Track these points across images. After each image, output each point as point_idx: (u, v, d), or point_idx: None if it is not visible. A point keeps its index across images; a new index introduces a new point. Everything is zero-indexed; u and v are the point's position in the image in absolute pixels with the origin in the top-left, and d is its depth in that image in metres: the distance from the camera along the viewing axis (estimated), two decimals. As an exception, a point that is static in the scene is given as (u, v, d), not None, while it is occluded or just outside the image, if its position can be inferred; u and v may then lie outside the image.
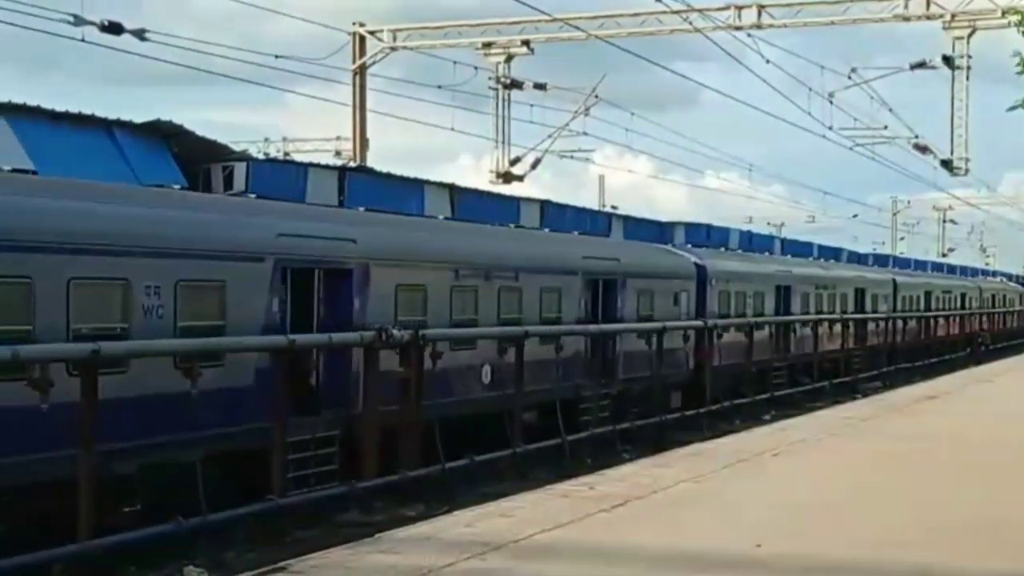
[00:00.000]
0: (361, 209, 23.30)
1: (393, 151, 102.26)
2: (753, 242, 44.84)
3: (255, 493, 16.74)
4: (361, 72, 36.74)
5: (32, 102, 24.94)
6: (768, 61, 32.44)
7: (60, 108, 25.12)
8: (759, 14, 34.48)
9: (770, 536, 12.22)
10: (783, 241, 50.81)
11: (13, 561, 13.33)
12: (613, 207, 50.76)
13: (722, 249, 39.54)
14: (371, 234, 20.73)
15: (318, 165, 30.62)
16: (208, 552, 15.61)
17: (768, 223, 72.08)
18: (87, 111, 25.84)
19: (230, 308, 17.14)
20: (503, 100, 36.56)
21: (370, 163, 35.95)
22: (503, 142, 36.77)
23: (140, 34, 26.74)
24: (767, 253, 43.67)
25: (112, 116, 26.44)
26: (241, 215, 18.96)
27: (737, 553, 11.52)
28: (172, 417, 15.93)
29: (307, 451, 18.09)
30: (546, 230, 30.09)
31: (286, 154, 41.96)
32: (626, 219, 39.90)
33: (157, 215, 17.16)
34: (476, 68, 35.87)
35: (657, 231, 38.52)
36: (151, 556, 15.38)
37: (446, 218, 26.18)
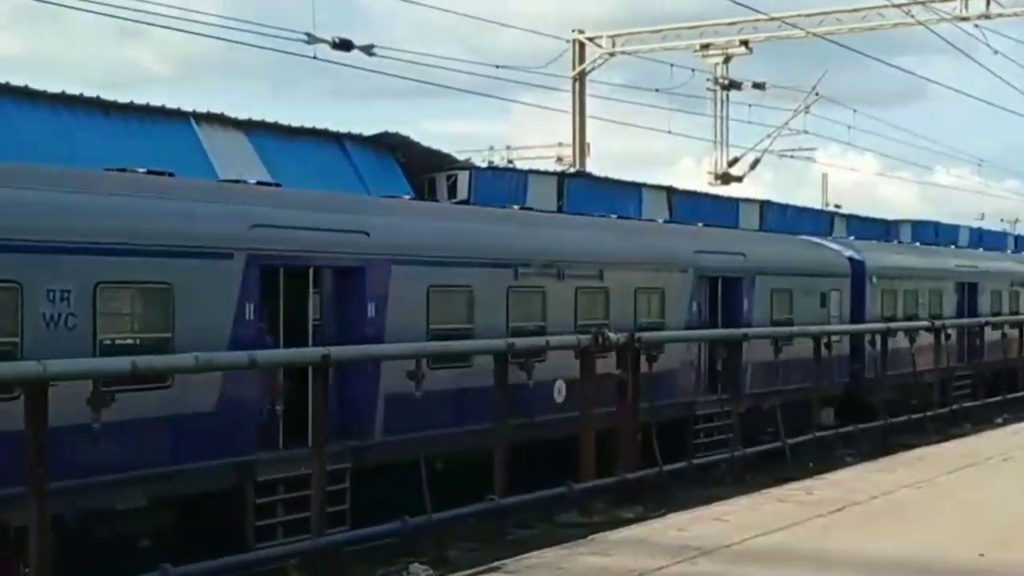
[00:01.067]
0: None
1: (614, 155, 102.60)
2: (984, 240, 43.23)
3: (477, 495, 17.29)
4: (580, 78, 37.18)
5: (275, 118, 26.37)
6: (997, 52, 31.41)
7: (297, 123, 26.56)
8: (987, 4, 33.40)
9: (994, 545, 11.94)
10: (1017, 238, 48.91)
11: (252, 556, 14.21)
12: (836, 206, 49.83)
13: (895, 242, 36.12)
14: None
15: (538, 171, 31.25)
16: (433, 550, 16.18)
17: (1002, 219, 69.30)
18: (322, 125, 27.20)
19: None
20: (721, 101, 36.43)
21: (591, 168, 36.39)
22: (721, 143, 36.64)
23: (368, 50, 27.70)
24: (952, 246, 38.90)
25: (343, 130, 27.69)
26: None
27: (958, 562, 11.30)
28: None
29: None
30: (659, 221, 27.62)
31: (510, 161, 42.75)
32: (849, 218, 39.21)
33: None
34: (693, 70, 35.87)
35: (882, 229, 37.70)
36: (379, 553, 16.08)
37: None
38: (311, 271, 16.32)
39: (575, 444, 19.28)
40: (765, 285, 25.54)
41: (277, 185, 18.57)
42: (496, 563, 11.28)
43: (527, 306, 19.68)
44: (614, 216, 25.09)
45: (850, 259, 29.46)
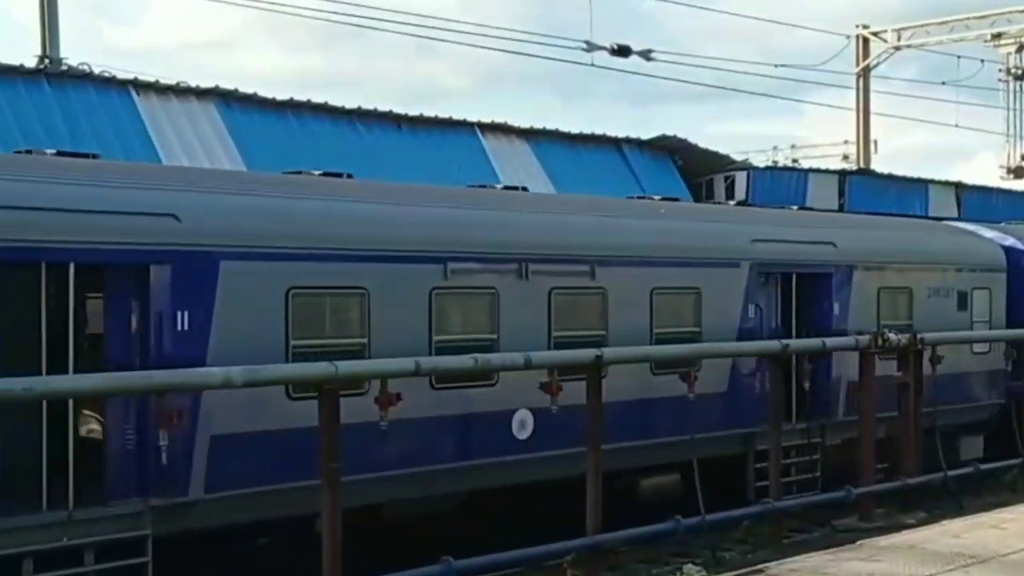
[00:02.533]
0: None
1: (905, 151, 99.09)
2: None
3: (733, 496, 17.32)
4: (865, 74, 36.36)
5: (564, 126, 27.08)
6: None
7: (584, 129, 27.20)
8: None
9: None
10: None
11: (529, 552, 14.71)
12: None
13: None
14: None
15: (818, 170, 30.81)
16: (707, 551, 16.34)
17: None
18: (609, 132, 27.75)
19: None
20: (1014, 92, 34.87)
21: (878, 165, 35.55)
22: (1015, 136, 35.05)
23: (646, 55, 28.03)
24: None
25: (622, 135, 28.14)
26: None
27: None
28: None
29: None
30: (713, 203, 24.15)
31: (794, 161, 42.19)
32: None
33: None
34: (983, 61, 34.54)
35: None
36: (656, 552, 16.37)
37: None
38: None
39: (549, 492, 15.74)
40: (867, 282, 20.45)
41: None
42: (760, 566, 11.41)
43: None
44: (658, 198, 20.22)
45: (1009, 249, 23.85)
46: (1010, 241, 24.14)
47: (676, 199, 20.93)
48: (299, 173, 15.53)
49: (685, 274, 17.59)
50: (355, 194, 15.08)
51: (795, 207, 22.89)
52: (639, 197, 19.92)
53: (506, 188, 18.51)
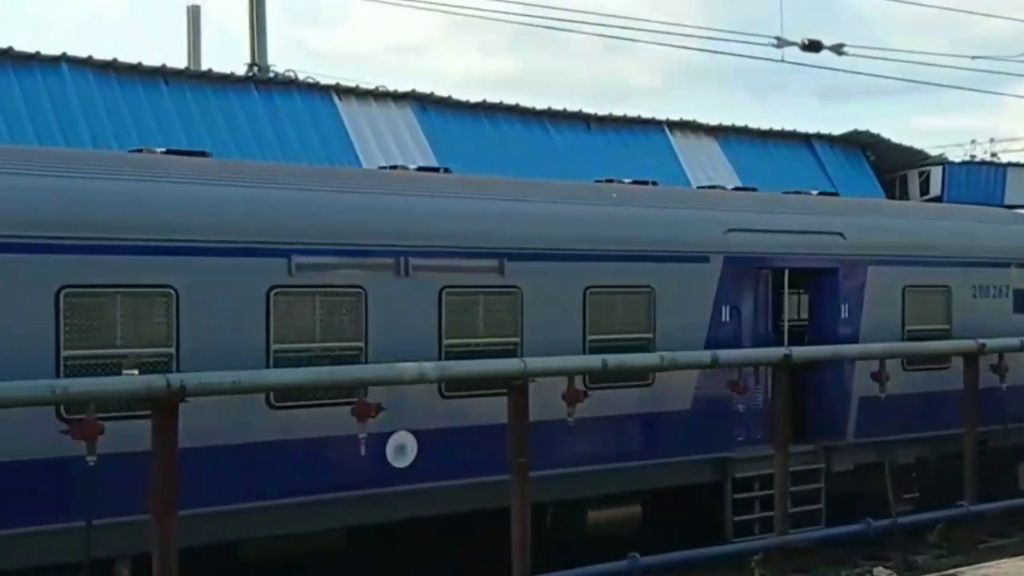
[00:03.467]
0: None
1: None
2: None
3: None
4: (1069, 63, 35.11)
5: (752, 122, 27.00)
6: None
7: (774, 126, 27.04)
8: None
9: None
10: None
11: (716, 550, 14.85)
12: None
13: None
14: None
15: (1019, 165, 29.93)
16: (898, 554, 16.17)
17: None
18: (801, 128, 27.52)
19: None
20: None
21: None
22: None
23: (838, 49, 27.66)
24: None
25: (813, 130, 27.86)
26: None
27: None
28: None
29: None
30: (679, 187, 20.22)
31: (992, 155, 40.97)
32: None
33: None
34: None
35: None
36: (845, 554, 16.31)
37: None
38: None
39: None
40: (887, 280, 17.47)
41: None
42: (953, 570, 11.29)
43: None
44: (628, 181, 16.96)
45: None
46: None
47: (650, 182, 17.01)
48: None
49: (632, 270, 14.81)
50: (175, 174, 12.29)
51: (986, 205, 22.25)
52: (607, 180, 16.75)
53: (420, 169, 15.69)
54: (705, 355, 14.66)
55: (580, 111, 24.67)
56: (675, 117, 25.94)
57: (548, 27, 23.88)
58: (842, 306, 17.03)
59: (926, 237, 18.43)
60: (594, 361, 13.53)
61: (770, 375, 15.78)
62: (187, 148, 15.25)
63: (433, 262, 13.18)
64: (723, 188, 18.63)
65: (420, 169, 15.29)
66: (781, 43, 26.72)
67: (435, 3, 20.06)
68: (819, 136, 27.96)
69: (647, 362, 14.28)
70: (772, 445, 15.15)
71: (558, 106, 24.38)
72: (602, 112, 25.00)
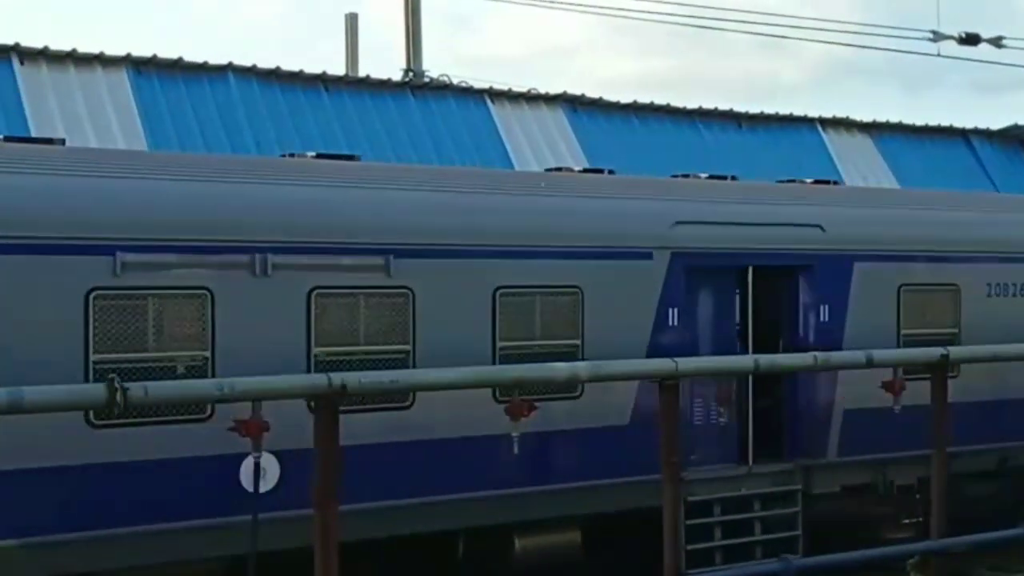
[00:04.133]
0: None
1: None
2: None
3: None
4: None
5: (906, 118, 26.61)
6: None
7: (929, 121, 26.61)
8: None
9: None
10: None
11: (867, 553, 14.71)
12: None
13: None
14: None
15: None
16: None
17: None
18: (955, 123, 27.00)
19: None
20: None
21: None
22: None
23: (996, 42, 27.07)
24: None
25: (970, 125, 27.30)
26: None
27: None
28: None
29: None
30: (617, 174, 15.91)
31: None
32: None
33: None
34: None
35: None
36: (1005, 559, 16.03)
37: None
38: None
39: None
40: (878, 278, 15.53)
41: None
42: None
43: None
44: (579, 169, 15.81)
45: None
46: None
47: (601, 171, 15.41)
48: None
49: (555, 268, 13.15)
50: None
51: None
52: (554, 170, 15.83)
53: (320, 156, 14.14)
54: (859, 355, 14.44)
55: (731, 110, 24.62)
56: (827, 114, 25.70)
57: (702, 26, 23.88)
58: (821, 308, 15.00)
59: (928, 229, 16.23)
60: (746, 361, 13.52)
61: (736, 386, 14.37)
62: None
63: (299, 259, 11.69)
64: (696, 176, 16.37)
65: (319, 156, 13.73)
66: (937, 37, 26.29)
67: (589, 5, 20.27)
68: (976, 131, 27.39)
69: (800, 363, 14.11)
70: (737, 464, 14.19)
71: (709, 105, 24.41)
72: (754, 110, 24.92)
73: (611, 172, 15.38)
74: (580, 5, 20.84)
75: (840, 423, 15.16)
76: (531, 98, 22.42)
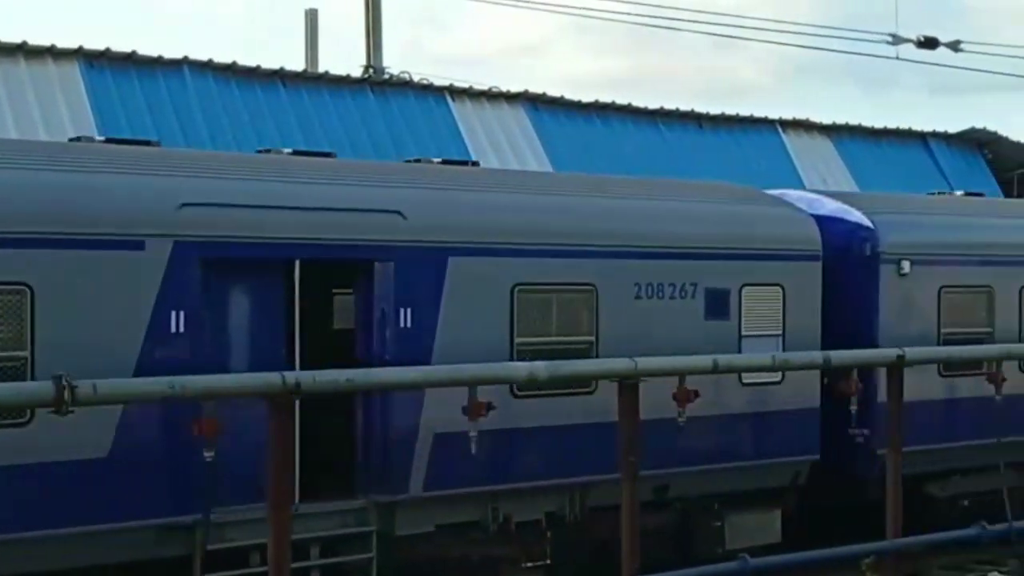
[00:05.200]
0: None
1: None
2: None
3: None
4: None
5: (865, 120, 26.71)
6: None
7: (887, 124, 26.72)
8: None
9: None
10: None
11: (826, 552, 14.74)
12: None
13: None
14: None
15: None
16: (1014, 560, 15.91)
17: None
18: (914, 125, 27.14)
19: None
20: None
21: None
22: None
23: (954, 46, 27.24)
24: None
25: (929, 128, 27.47)
26: None
27: None
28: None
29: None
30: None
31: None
32: None
33: None
34: None
35: None
36: (959, 558, 16.09)
37: None
38: None
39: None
40: (486, 277, 13.12)
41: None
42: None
43: None
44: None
45: (827, 222, 15.97)
46: (830, 209, 16.23)
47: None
48: None
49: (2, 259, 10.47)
50: None
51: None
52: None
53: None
54: (817, 355, 14.46)
55: (692, 111, 24.63)
56: (788, 115, 25.78)
57: (661, 27, 23.89)
58: (402, 312, 12.47)
59: (556, 217, 13.86)
60: (704, 361, 13.44)
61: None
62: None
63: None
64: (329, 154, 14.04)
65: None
66: (896, 40, 26.43)
67: (549, 4, 20.22)
68: (935, 134, 27.55)
69: (759, 362, 14.07)
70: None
71: (670, 105, 24.40)
72: (714, 111, 24.94)
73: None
74: (542, 4, 20.77)
75: (430, 451, 12.57)
76: (492, 96, 22.32)
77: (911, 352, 14.75)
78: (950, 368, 16.40)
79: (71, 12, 51.52)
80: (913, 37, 26.60)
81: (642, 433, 12.08)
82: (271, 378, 10.29)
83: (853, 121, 26.64)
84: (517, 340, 13.13)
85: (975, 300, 17.05)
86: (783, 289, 15.29)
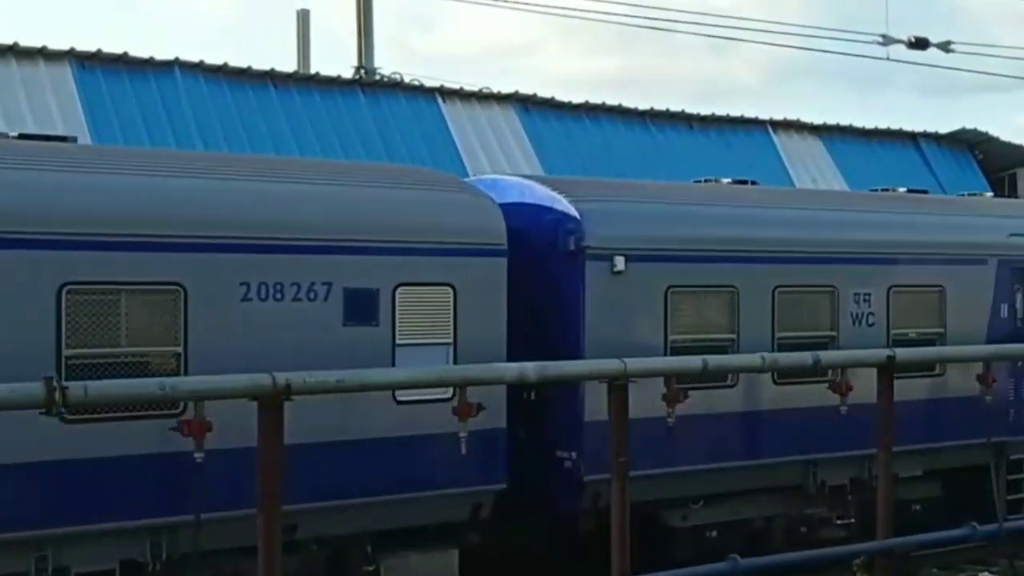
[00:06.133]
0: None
1: None
2: None
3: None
4: None
5: (857, 121, 26.76)
6: None
7: (879, 124, 26.77)
8: None
9: None
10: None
11: (817, 552, 14.79)
12: None
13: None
14: None
15: None
16: (1005, 560, 15.96)
17: None
18: (906, 126, 27.20)
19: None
20: None
21: None
22: None
23: (945, 47, 27.29)
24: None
25: (920, 129, 27.53)
26: None
27: None
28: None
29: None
30: None
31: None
32: None
33: None
34: None
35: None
36: (950, 558, 16.13)
37: None
38: None
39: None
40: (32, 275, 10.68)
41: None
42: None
43: None
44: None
45: (526, 214, 13.86)
46: (533, 197, 14.12)
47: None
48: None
49: None
50: None
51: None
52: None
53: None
54: (807, 356, 14.38)
55: (683, 111, 24.66)
56: (779, 116, 25.82)
57: (652, 27, 23.91)
58: None
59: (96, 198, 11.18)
60: (694, 362, 13.43)
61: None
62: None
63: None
64: None
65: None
66: (887, 41, 26.45)
67: (540, 5, 20.22)
68: (925, 135, 27.61)
69: (748, 363, 14.09)
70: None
71: (661, 106, 24.44)
72: (705, 112, 24.97)
73: None
74: (533, 4, 20.79)
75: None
76: (482, 97, 22.34)
77: (902, 353, 14.78)
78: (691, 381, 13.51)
79: (62, 14, 51.47)
80: (904, 38, 26.68)
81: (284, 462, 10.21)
82: (261, 379, 10.28)
83: (844, 122, 26.72)
84: (66, 351, 10.64)
85: (715, 302, 14.64)
86: (454, 290, 12.66)
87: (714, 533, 14.85)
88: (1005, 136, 27.64)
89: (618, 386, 12.31)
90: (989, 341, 16.78)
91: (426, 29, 59.81)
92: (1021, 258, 17.56)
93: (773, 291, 15.04)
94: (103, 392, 9.78)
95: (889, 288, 16.04)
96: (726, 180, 16.72)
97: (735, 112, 25.26)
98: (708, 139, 24.63)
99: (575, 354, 13.27)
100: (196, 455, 10.32)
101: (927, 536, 15.70)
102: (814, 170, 25.11)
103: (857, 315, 15.71)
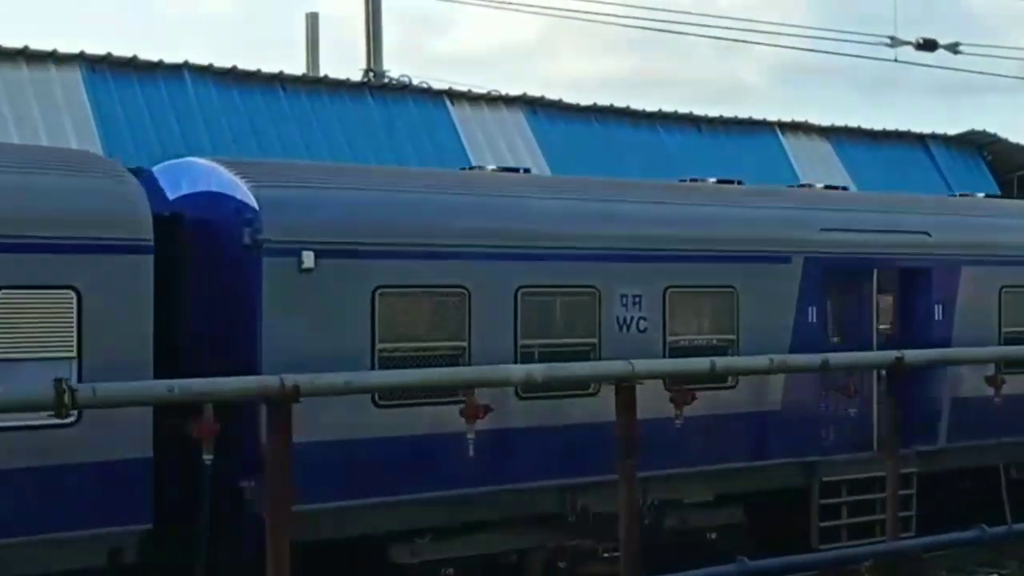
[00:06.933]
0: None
1: None
2: None
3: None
4: None
5: (864, 122, 26.72)
6: None
7: (886, 125, 26.75)
8: None
9: None
10: None
11: (827, 555, 14.76)
12: None
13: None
14: None
15: None
16: (1014, 561, 15.95)
17: None
18: (914, 127, 27.17)
19: None
20: None
21: None
22: None
23: (953, 48, 27.29)
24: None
25: (927, 130, 27.49)
26: None
27: None
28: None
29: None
30: None
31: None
32: None
33: None
34: None
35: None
36: (955, 560, 16.11)
37: None
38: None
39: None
40: None
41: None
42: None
43: None
44: None
45: (196, 203, 12.21)
46: (208, 183, 12.32)
47: None
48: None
49: None
50: None
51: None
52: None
53: None
54: (816, 358, 14.57)
55: (691, 113, 24.64)
56: (786, 118, 25.79)
57: (661, 30, 23.97)
58: None
59: None
60: (702, 363, 13.52)
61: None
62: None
63: None
64: None
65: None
66: (895, 42, 26.44)
67: (551, 7, 20.30)
68: (934, 136, 27.57)
69: (757, 364, 14.19)
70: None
71: (669, 108, 24.43)
72: (713, 114, 24.96)
73: None
74: (541, 6, 20.87)
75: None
76: (491, 100, 22.36)
77: (910, 355, 14.93)
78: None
79: (72, 17, 51.62)
80: (912, 39, 26.68)
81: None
82: (270, 381, 10.43)
83: (852, 123, 26.67)
84: None
85: (439, 306, 12.77)
86: (79, 296, 10.58)
87: (451, 571, 12.80)
88: (1014, 138, 27.60)
89: (625, 387, 12.44)
90: (794, 349, 14.94)
91: (435, 32, 59.92)
92: (834, 255, 15.69)
93: (516, 292, 13.08)
94: (111, 394, 9.86)
95: (666, 289, 14.15)
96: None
97: (743, 114, 25.27)
98: (716, 141, 24.62)
99: (250, 366, 11.23)
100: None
101: (934, 539, 15.72)
102: (822, 172, 25.06)
103: (624, 320, 13.76)
